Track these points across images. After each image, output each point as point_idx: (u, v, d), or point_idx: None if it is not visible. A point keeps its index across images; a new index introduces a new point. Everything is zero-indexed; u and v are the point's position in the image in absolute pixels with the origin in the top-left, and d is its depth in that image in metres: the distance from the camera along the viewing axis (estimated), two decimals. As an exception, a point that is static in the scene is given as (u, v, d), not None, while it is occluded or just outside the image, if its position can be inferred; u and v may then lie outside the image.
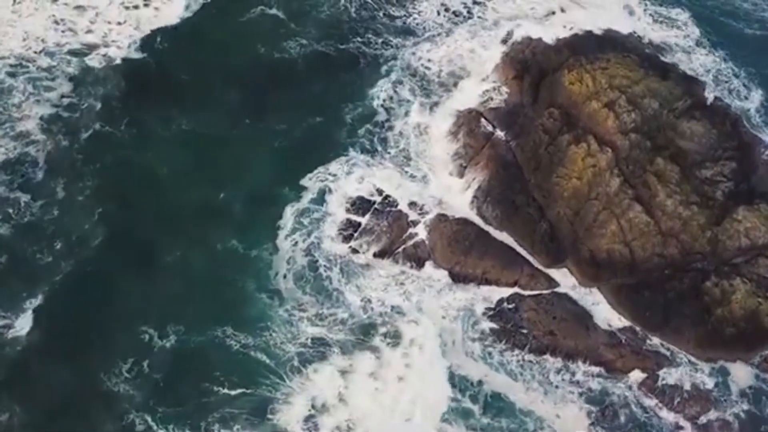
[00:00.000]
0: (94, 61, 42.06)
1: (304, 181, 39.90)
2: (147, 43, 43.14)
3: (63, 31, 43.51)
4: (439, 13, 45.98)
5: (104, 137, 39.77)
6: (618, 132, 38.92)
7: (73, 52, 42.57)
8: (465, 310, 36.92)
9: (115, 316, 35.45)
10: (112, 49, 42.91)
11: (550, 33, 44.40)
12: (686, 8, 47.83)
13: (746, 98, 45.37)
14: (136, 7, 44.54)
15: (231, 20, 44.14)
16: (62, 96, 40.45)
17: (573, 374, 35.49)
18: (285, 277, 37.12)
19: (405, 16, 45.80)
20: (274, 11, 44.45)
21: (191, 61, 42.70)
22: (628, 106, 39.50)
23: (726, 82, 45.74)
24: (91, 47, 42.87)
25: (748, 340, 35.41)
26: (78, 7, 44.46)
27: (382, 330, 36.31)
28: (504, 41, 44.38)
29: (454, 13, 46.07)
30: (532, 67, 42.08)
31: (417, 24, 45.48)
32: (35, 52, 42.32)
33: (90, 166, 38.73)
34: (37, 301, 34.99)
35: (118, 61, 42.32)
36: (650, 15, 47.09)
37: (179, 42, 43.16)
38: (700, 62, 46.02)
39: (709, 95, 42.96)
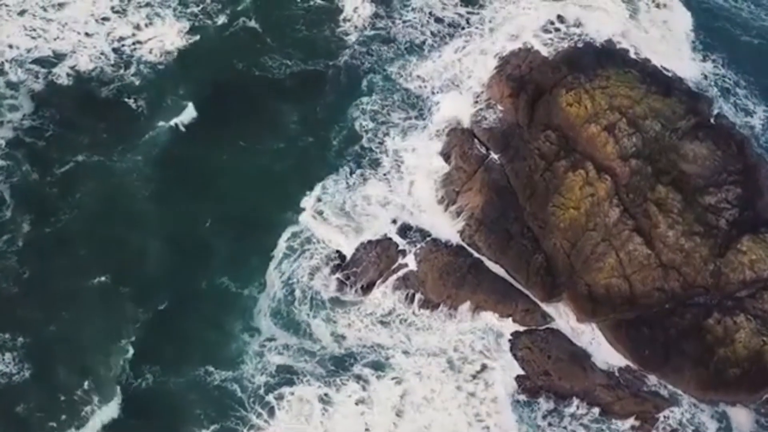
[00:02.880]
0: (62, 78, 39.65)
1: (289, 210, 37.91)
2: (119, 57, 40.75)
3: (34, 38, 41.15)
4: (428, 23, 43.54)
5: (76, 162, 37.55)
6: (618, 158, 36.94)
7: (40, 61, 40.26)
8: (455, 347, 35.30)
9: (84, 358, 33.76)
10: (83, 59, 40.60)
11: (548, 43, 42.35)
12: (686, 15, 45.74)
13: (753, 113, 43.82)
14: (106, 19, 41.94)
15: (212, 35, 41.72)
16: (23, 118, 38.22)
17: (565, 418, 34.02)
18: (266, 314, 35.45)
19: (390, 27, 43.36)
20: (253, 23, 42.00)
21: (168, 79, 40.35)
22: (629, 129, 37.48)
23: (730, 93, 44.20)
24: (59, 56, 40.60)
25: (752, 382, 33.83)
26: (48, 20, 42.01)
27: (368, 366, 34.73)
28: (499, 54, 42.24)
29: (445, 23, 43.58)
30: (528, 84, 39.83)
31: (405, 36, 43.04)
32: (6, 60, 40.21)
33: (63, 197, 36.50)
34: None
35: (87, 75, 40.00)
36: (652, 23, 44.88)
37: (155, 59, 40.81)
38: (703, 73, 44.18)
39: (714, 112, 41.10)
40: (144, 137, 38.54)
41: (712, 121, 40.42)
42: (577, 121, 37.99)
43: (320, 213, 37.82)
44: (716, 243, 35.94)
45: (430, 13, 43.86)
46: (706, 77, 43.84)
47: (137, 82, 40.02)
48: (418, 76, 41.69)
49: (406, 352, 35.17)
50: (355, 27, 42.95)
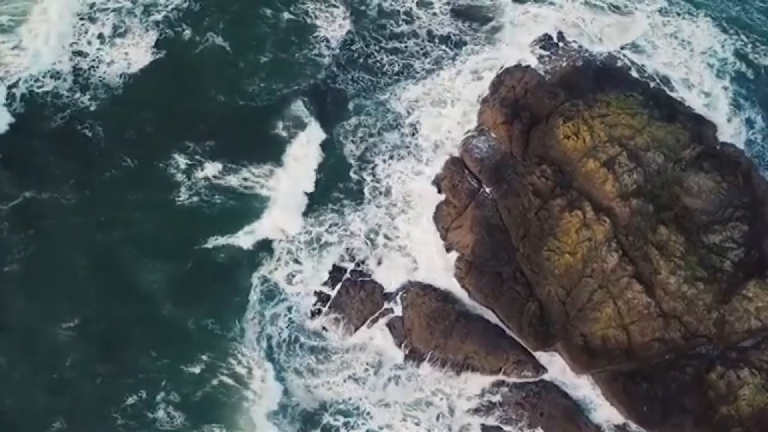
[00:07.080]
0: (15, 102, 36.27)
1: (265, 249, 35.31)
2: (76, 79, 37.28)
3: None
4: (417, 41, 40.15)
5: (35, 199, 34.67)
6: (617, 197, 34.32)
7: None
8: (442, 403, 33.32)
9: (48, 398, 31.71)
10: (46, 80, 37.18)
11: (545, 61, 39.38)
12: (693, 26, 42.69)
13: (754, 123, 41.41)
14: (75, 24, 38.32)
15: (178, 53, 38.21)
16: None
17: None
18: (241, 363, 33.13)
19: (376, 48, 39.94)
20: (220, 41, 38.48)
21: (130, 104, 36.94)
22: (630, 164, 34.72)
23: (734, 105, 41.42)
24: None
25: (755, 442, 32.29)
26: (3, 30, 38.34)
27: (346, 418, 32.84)
28: (492, 71, 39.20)
29: (436, 40, 40.19)
30: (522, 110, 36.90)
31: (390, 56, 39.72)
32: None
33: (17, 234, 33.75)
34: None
35: (41, 99, 36.55)
36: (658, 36, 41.80)
37: (116, 81, 37.37)
38: (709, 90, 41.39)
39: (719, 138, 38.45)
40: (105, 174, 35.43)
41: (717, 147, 37.90)
42: (574, 155, 35.27)
43: (303, 249, 35.42)
44: (720, 288, 33.71)
45: (415, 33, 40.41)
46: (711, 93, 41.17)
47: (94, 108, 36.60)
48: (407, 99, 38.68)
49: (388, 406, 33.25)
50: (335, 47, 39.58)
